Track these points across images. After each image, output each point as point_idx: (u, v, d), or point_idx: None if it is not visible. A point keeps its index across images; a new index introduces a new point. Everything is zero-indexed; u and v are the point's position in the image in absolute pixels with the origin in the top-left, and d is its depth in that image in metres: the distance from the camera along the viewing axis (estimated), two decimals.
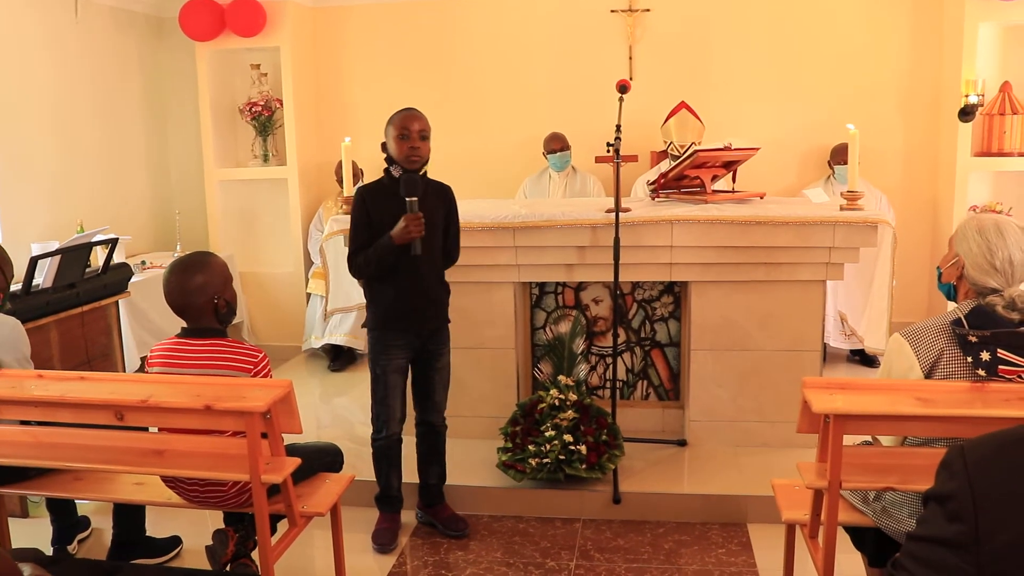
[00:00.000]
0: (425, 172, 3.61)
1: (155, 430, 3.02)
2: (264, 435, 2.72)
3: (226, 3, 6.14)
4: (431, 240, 3.57)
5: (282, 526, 3.08)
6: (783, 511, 2.85)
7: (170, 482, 3.02)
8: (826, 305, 4.45)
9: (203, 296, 3.00)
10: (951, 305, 2.72)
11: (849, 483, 2.51)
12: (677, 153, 5.38)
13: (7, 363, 3.14)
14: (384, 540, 3.73)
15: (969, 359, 2.47)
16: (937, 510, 1.40)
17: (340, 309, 4.88)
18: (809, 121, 6.24)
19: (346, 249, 4.50)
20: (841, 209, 4.20)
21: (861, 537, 2.88)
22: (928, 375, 2.53)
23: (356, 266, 3.60)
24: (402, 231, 3.43)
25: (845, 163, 5.34)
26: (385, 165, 3.62)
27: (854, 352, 5.82)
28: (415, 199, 3.44)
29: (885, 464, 2.56)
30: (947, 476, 1.40)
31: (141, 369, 4.53)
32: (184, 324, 3.07)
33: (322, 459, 3.29)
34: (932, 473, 2.46)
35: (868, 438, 2.89)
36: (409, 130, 3.49)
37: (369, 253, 3.51)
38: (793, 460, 4.15)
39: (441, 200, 3.67)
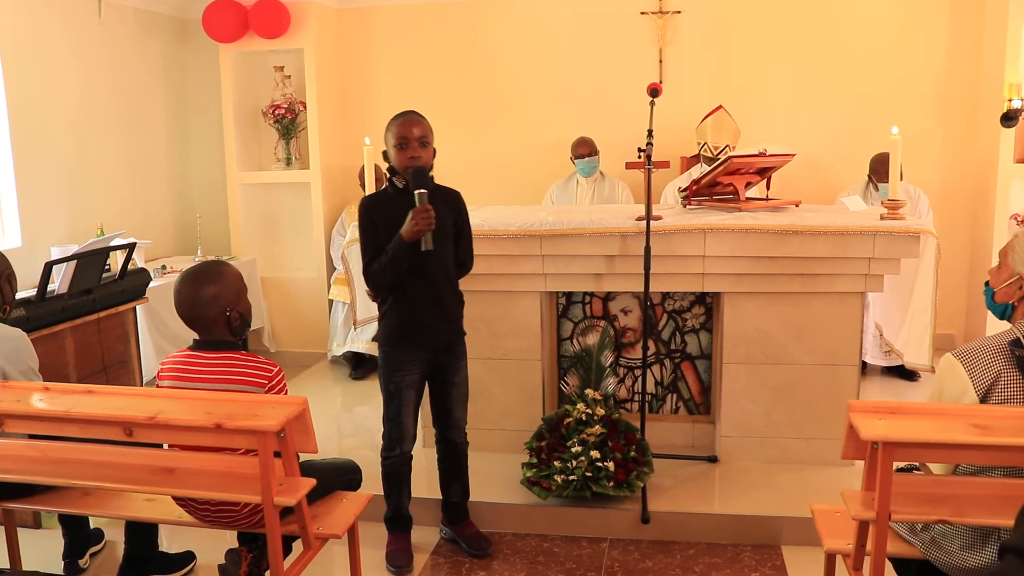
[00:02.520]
0: (432, 177, 3.44)
1: (167, 445, 2.91)
2: (278, 454, 2.60)
3: (250, 5, 6.06)
4: (442, 249, 3.40)
5: (297, 545, 2.97)
6: (824, 540, 2.69)
7: (181, 500, 2.91)
8: (864, 319, 4.27)
9: (215, 308, 2.89)
10: (990, 317, 2.55)
11: (899, 515, 2.35)
12: (710, 155, 5.24)
13: (12, 376, 3.05)
14: (401, 561, 3.59)
15: None
16: (1018, 565, 1.25)
17: (368, 320, 4.78)
18: (844, 126, 6.08)
19: None
20: (882, 218, 4.04)
21: (906, 567, 2.72)
22: (984, 399, 2.37)
23: (372, 276, 3.41)
24: (410, 225, 3.25)
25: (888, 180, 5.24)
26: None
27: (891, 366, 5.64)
28: (424, 192, 3.26)
29: (937, 494, 2.40)
30: None
31: None
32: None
33: (340, 477, 3.16)
34: (987, 505, 2.33)
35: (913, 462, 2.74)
36: (408, 138, 3.33)
37: (382, 259, 3.34)
38: (829, 478, 4.08)
39: (450, 207, 3.48)
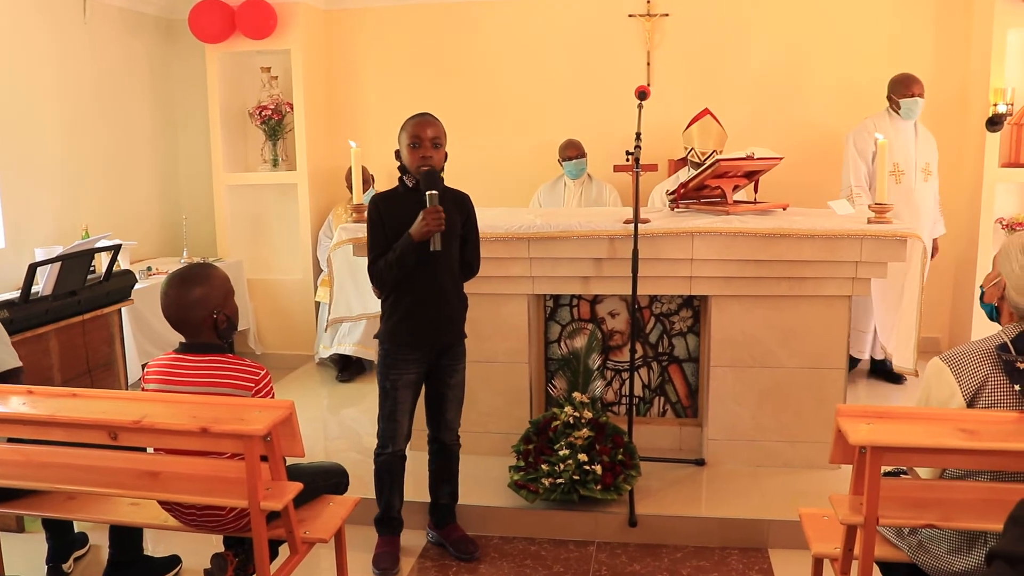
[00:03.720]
0: (442, 179, 3.46)
1: (151, 449, 2.89)
2: (264, 458, 2.58)
3: (236, 5, 6.03)
4: (448, 250, 3.42)
5: (283, 549, 2.95)
6: (812, 544, 2.69)
7: (166, 504, 2.88)
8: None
9: (202, 310, 2.87)
10: (976, 320, 2.56)
11: (886, 519, 2.35)
12: (697, 160, 5.24)
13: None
14: (385, 565, 3.57)
15: (1017, 387, 2.32)
16: (1006, 571, 1.25)
17: (339, 319, 4.74)
18: (832, 130, 6.08)
19: (354, 258, 4.40)
20: (869, 222, 4.05)
21: (893, 570, 2.72)
22: (971, 404, 2.37)
23: (376, 273, 3.44)
24: (420, 225, 3.27)
25: (913, 96, 5.25)
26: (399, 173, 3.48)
27: (876, 365, 5.64)
28: (435, 193, 3.29)
29: (924, 498, 2.40)
30: (1020, 535, 1.24)
31: None
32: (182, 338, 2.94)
33: (327, 480, 3.14)
34: (975, 509, 2.33)
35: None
36: (421, 138, 3.36)
37: (388, 256, 3.37)
38: (816, 481, 4.09)
39: (459, 208, 3.51)
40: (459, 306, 3.59)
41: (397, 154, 3.46)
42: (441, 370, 3.58)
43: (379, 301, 3.58)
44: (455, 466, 3.74)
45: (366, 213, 3.50)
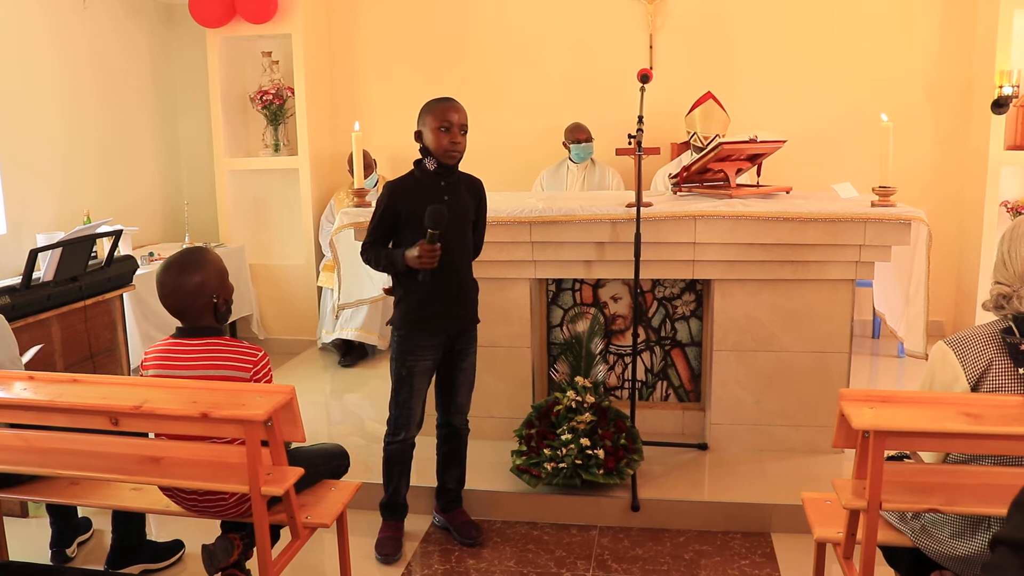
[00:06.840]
0: (456, 166, 3.46)
1: (152, 435, 2.89)
2: (265, 443, 2.58)
3: None
4: (462, 238, 3.45)
5: (285, 533, 2.95)
6: (814, 528, 2.68)
7: (168, 490, 2.88)
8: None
9: (202, 297, 2.86)
10: (980, 304, 2.53)
11: (889, 504, 2.34)
12: (700, 144, 5.21)
13: (1, 363, 3.02)
14: (388, 550, 3.58)
15: (1021, 371, 2.30)
16: (1009, 557, 1.24)
17: (349, 304, 4.72)
18: (836, 112, 6.06)
19: (357, 243, 4.38)
20: (872, 205, 4.03)
21: (895, 554, 2.72)
22: (975, 387, 2.35)
23: (366, 258, 3.49)
24: (415, 259, 3.27)
25: None
26: (418, 156, 3.45)
27: None
28: (437, 232, 3.25)
29: (927, 483, 2.39)
30: (1023, 520, 1.23)
31: None
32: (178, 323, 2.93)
33: (328, 463, 3.13)
34: (978, 493, 2.32)
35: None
36: (452, 123, 3.34)
37: (380, 256, 3.40)
38: (819, 465, 4.09)
39: (472, 194, 3.54)
40: (473, 291, 3.60)
41: (418, 135, 3.42)
42: (454, 354, 3.58)
43: (380, 286, 3.58)
44: (464, 449, 3.74)
45: (374, 196, 3.49)
